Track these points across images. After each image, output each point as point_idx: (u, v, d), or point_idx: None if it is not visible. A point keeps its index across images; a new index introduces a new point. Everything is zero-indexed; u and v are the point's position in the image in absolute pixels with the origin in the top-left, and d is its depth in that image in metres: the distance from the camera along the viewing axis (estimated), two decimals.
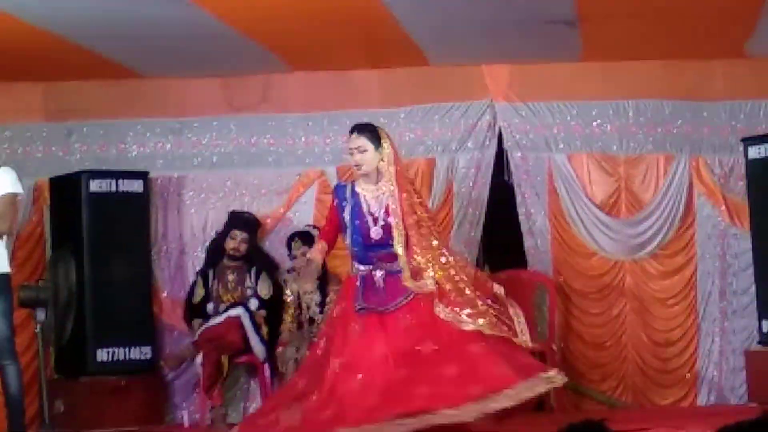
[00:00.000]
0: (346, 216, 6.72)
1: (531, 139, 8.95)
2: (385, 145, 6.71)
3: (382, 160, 6.70)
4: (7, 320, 6.74)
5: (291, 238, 8.56)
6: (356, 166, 6.73)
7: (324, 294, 8.36)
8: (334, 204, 6.84)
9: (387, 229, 6.65)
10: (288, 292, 8.52)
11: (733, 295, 8.80)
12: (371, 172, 6.71)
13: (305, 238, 8.45)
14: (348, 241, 6.70)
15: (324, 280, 8.29)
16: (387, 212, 6.67)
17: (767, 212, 8.29)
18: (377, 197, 6.71)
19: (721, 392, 8.76)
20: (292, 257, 8.52)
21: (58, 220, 8.81)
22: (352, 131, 6.78)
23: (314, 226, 8.59)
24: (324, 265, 8.13)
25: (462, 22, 7.89)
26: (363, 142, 6.70)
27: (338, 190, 6.89)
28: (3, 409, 6.96)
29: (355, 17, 7.65)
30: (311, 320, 8.41)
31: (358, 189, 6.76)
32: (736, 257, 8.78)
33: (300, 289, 8.43)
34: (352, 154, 6.73)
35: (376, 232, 6.65)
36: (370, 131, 6.75)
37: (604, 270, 8.89)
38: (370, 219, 6.68)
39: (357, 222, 6.69)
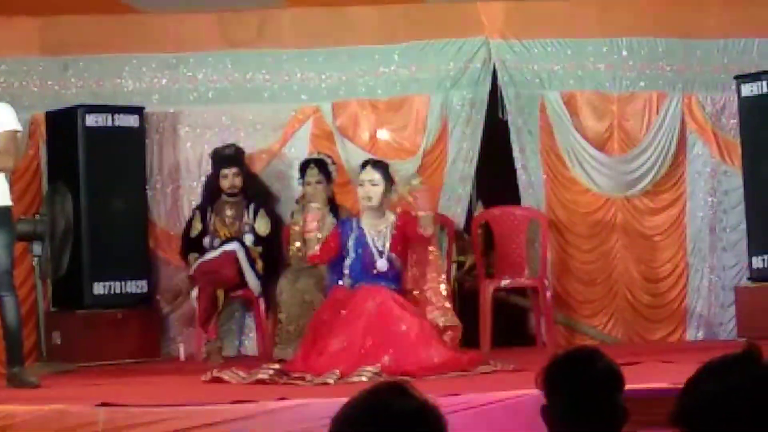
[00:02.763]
0: (350, 243, 7.04)
1: (525, 77, 8.97)
2: (396, 186, 7.09)
3: (389, 197, 7.06)
4: (8, 252, 6.80)
5: (306, 164, 8.48)
6: (367, 198, 7.00)
7: (337, 217, 8.32)
8: (337, 232, 7.15)
9: (391, 262, 7.01)
10: (294, 224, 8.50)
11: (723, 232, 8.87)
12: (378, 206, 6.98)
13: (321, 165, 8.45)
14: (346, 269, 7.03)
15: (335, 209, 8.36)
16: (391, 246, 7.01)
17: (758, 150, 8.35)
18: (380, 231, 7.04)
19: (710, 328, 8.85)
20: (305, 183, 8.46)
21: (55, 155, 8.83)
22: (365, 164, 7.16)
23: (328, 155, 8.61)
24: (333, 198, 8.31)
25: None
26: (376, 176, 7.04)
27: (343, 223, 7.27)
28: (2, 341, 7.05)
29: None
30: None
31: (362, 225, 7.08)
32: (727, 194, 8.84)
33: (307, 219, 8.43)
34: (363, 185, 7.03)
35: (382, 264, 7.02)
36: (384, 168, 7.10)
37: (596, 206, 8.95)
38: (375, 251, 6.96)
39: (360, 251, 7.03)
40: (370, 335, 6.73)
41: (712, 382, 2.42)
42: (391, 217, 7.11)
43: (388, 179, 7.10)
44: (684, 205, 8.91)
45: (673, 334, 8.86)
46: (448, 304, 7.21)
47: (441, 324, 7.06)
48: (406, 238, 7.10)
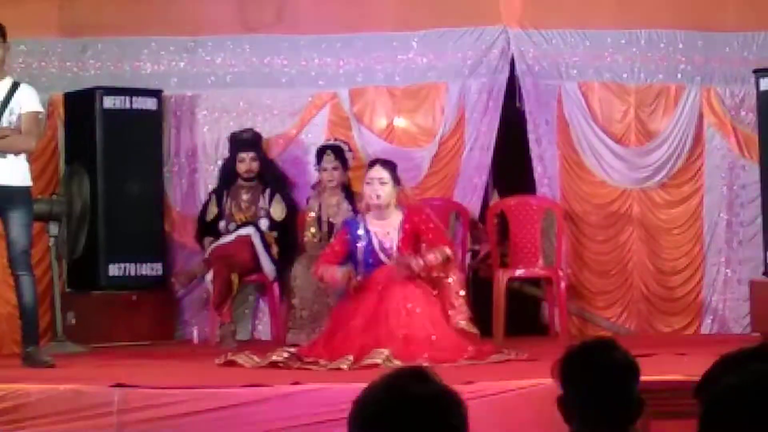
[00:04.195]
0: (359, 253, 7.01)
1: (543, 67, 8.94)
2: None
3: (396, 196, 7.05)
4: (26, 232, 6.86)
5: (322, 151, 8.49)
6: (376, 196, 6.97)
7: (352, 203, 8.31)
8: (346, 237, 7.09)
9: None
10: (310, 210, 8.52)
11: (739, 226, 8.84)
12: (385, 206, 6.98)
13: (337, 152, 8.46)
14: (358, 276, 6.97)
15: (350, 195, 8.36)
16: (399, 248, 6.98)
17: None
18: (387, 233, 7.03)
19: (724, 321, 8.83)
20: (321, 169, 8.47)
21: (72, 136, 8.86)
22: (374, 163, 7.16)
23: (344, 142, 8.61)
24: (349, 185, 8.30)
25: None
26: (385, 174, 7.03)
27: (350, 225, 7.18)
28: (18, 320, 7.09)
29: None
30: (330, 227, 8.40)
31: (369, 227, 7.04)
32: (744, 188, 8.80)
33: (323, 203, 8.45)
34: (371, 183, 7.00)
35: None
36: (392, 168, 7.09)
37: (612, 198, 8.93)
38: (383, 255, 7.00)
39: (371, 261, 7.00)
40: (382, 311, 6.74)
41: (732, 375, 2.41)
42: (398, 217, 7.08)
43: (396, 179, 7.11)
44: (701, 198, 8.88)
45: (687, 328, 8.85)
46: (466, 310, 7.21)
47: (462, 326, 7.08)
48: (415, 237, 7.10)
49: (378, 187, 7.02)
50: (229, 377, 6.25)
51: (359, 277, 6.97)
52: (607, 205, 8.93)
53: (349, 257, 7.08)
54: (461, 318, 7.07)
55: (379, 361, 6.42)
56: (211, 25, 9.08)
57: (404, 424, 2.34)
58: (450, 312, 7.04)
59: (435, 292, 7.04)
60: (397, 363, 6.29)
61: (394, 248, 7.02)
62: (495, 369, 6.48)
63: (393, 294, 6.79)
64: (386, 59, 9.03)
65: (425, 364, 5.99)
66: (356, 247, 7.04)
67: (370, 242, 7.03)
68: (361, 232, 7.07)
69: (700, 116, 8.89)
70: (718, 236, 8.86)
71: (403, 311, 6.76)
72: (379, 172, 7.05)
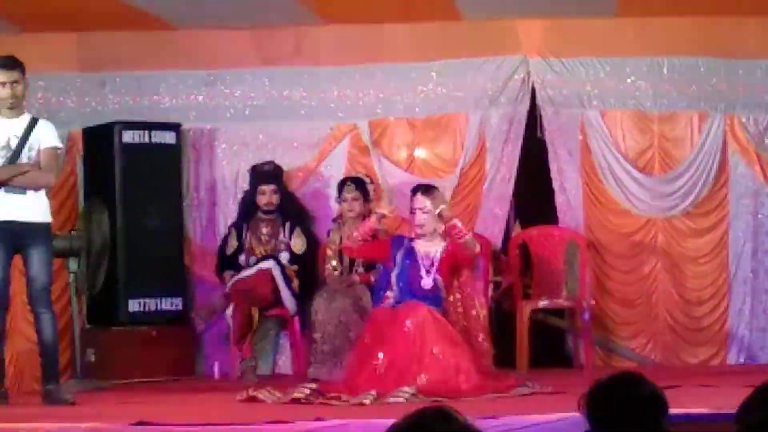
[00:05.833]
0: (398, 256, 7.09)
1: (564, 95, 8.89)
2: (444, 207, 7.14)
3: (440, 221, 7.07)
4: (47, 269, 6.82)
5: (343, 182, 8.49)
6: (419, 225, 7.04)
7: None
8: (388, 242, 7.23)
9: (436, 282, 7.04)
10: (331, 243, 8.47)
11: (765, 255, 8.75)
12: (429, 233, 7.08)
13: (359, 183, 8.43)
14: (393, 279, 7.07)
15: None
16: (438, 269, 7.04)
17: None
18: (429, 252, 7.09)
19: (751, 351, 8.73)
20: (342, 201, 8.44)
21: (91, 171, 8.84)
22: (415, 191, 7.17)
23: (367, 175, 8.58)
24: (369, 216, 8.31)
25: None
26: (427, 203, 7.07)
27: (395, 238, 7.32)
28: (38, 357, 7.04)
29: None
30: (351, 260, 8.35)
31: (413, 244, 7.13)
32: None
33: (344, 236, 8.40)
34: (414, 213, 7.08)
35: (427, 282, 7.05)
36: (434, 192, 7.16)
37: (636, 227, 8.86)
38: (422, 268, 7.03)
39: (407, 262, 7.05)
40: (408, 353, 6.69)
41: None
42: (441, 243, 7.12)
43: (439, 202, 7.13)
44: (726, 227, 8.79)
45: (713, 358, 8.75)
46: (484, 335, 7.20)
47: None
48: (455, 264, 7.10)
49: (420, 216, 7.08)
50: (250, 413, 6.18)
51: (390, 297, 6.97)
52: (631, 234, 8.85)
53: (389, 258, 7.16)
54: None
55: (402, 399, 6.36)
56: (230, 59, 9.06)
57: None
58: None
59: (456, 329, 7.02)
60: (422, 399, 6.23)
61: (435, 265, 7.06)
62: (519, 402, 6.41)
63: (416, 333, 6.74)
64: (406, 90, 8.99)
65: (449, 400, 5.95)
66: (397, 251, 7.11)
67: (412, 252, 7.10)
68: (404, 243, 7.15)
69: (724, 144, 8.81)
70: (744, 265, 8.77)
71: (426, 351, 6.70)
72: (420, 202, 7.11)
